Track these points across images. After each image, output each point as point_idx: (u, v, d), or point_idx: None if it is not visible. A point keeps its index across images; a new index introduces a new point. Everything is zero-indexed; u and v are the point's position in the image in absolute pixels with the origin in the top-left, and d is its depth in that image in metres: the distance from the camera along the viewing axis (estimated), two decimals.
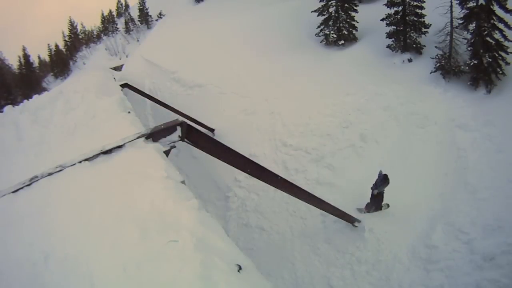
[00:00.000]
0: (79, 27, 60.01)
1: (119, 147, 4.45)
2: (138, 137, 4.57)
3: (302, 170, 10.05)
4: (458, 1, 9.55)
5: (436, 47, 10.48)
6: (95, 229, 3.38)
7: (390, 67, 11.53)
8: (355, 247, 7.94)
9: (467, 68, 9.80)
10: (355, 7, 13.69)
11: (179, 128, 4.72)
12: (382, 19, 11.95)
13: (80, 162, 4.32)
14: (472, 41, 9.59)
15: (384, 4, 11.77)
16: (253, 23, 16.52)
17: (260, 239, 9.25)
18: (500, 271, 6.36)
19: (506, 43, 9.29)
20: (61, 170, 4.29)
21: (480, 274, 6.51)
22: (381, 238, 7.80)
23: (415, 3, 11.38)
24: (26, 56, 52.39)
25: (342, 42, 13.54)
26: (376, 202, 8.16)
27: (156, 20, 42.93)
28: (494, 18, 9.22)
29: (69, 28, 57.46)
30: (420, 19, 11.43)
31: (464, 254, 6.87)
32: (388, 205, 8.29)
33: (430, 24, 11.21)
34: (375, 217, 8.14)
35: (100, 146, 4.47)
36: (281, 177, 6.09)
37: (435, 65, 10.33)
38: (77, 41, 58.38)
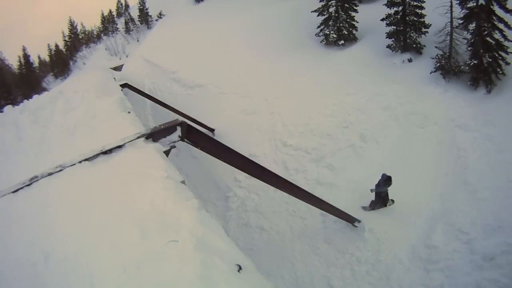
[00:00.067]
0: (79, 27, 60.07)
1: (119, 147, 4.45)
2: (138, 137, 4.57)
3: (302, 170, 10.05)
4: (458, 1, 9.55)
5: (436, 47, 10.48)
6: (95, 229, 3.38)
7: (390, 67, 11.53)
8: (355, 247, 7.94)
9: (467, 68, 9.81)
10: (355, 7, 13.69)
11: (179, 128, 4.72)
12: (382, 19, 11.95)
13: (80, 162, 4.32)
14: (472, 41, 9.59)
15: (384, 4, 11.77)
16: (253, 23, 16.52)
17: (260, 239, 9.25)
18: (500, 271, 6.37)
19: (506, 43, 9.29)
20: (61, 170, 4.29)
21: (480, 274, 6.51)
22: (381, 238, 7.80)
23: (415, 3, 11.38)
24: (26, 56, 52.42)
25: (342, 42, 13.54)
26: (381, 200, 8.21)
27: (156, 20, 42.94)
28: (494, 18, 9.22)
29: (69, 28, 57.50)
30: (420, 19, 11.43)
31: (464, 254, 6.87)
32: (393, 201, 8.29)
33: (430, 24, 11.21)
34: (375, 217, 8.14)
35: (100, 146, 4.47)
36: (281, 177, 6.09)
37: (435, 65, 10.33)
38: (77, 41, 58.39)
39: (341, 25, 13.55)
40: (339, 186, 9.20)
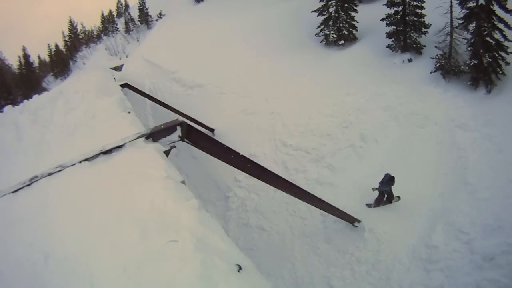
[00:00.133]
0: (79, 27, 60.03)
1: (119, 147, 4.45)
2: (138, 137, 4.57)
3: (302, 170, 10.05)
4: (458, 1, 9.55)
5: (436, 47, 10.48)
6: (95, 229, 3.38)
7: (390, 67, 11.53)
8: (355, 247, 7.94)
9: (467, 68, 9.81)
10: (355, 7, 13.70)
11: (179, 128, 4.72)
12: (382, 19, 11.96)
13: (80, 162, 4.33)
14: (472, 41, 9.59)
15: (384, 4, 11.77)
16: (253, 23, 16.52)
17: (260, 239, 9.25)
18: (500, 271, 6.37)
19: (506, 43, 9.30)
20: (61, 170, 4.29)
21: (480, 274, 6.51)
22: (381, 238, 7.80)
23: (415, 3, 11.38)
24: (26, 56, 52.38)
25: (342, 42, 13.54)
26: (384, 197, 8.27)
27: (156, 20, 42.91)
28: (494, 18, 9.22)
29: (69, 28, 57.46)
30: (420, 19, 11.44)
31: (464, 254, 6.88)
32: (399, 198, 8.31)
33: (430, 24, 11.21)
34: (375, 217, 8.14)
35: (100, 146, 4.47)
36: (281, 177, 6.09)
37: (435, 65, 10.34)
38: (77, 41, 58.36)
39: (341, 25, 13.56)
40: (339, 186, 9.20)
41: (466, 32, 9.79)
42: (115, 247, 3.13)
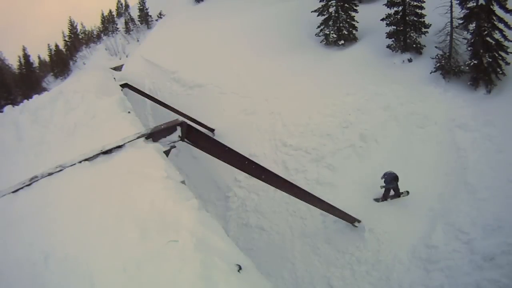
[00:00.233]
0: (79, 27, 60.06)
1: (119, 147, 4.45)
2: (138, 137, 4.57)
3: (302, 170, 10.05)
4: (458, 1, 9.55)
5: (436, 47, 10.48)
6: (95, 229, 3.38)
7: (390, 67, 11.53)
8: (355, 247, 7.94)
9: (467, 68, 9.80)
10: (355, 7, 13.69)
11: (179, 128, 4.72)
12: (382, 19, 11.95)
13: (80, 162, 4.33)
14: (472, 41, 9.59)
15: (384, 4, 11.76)
16: (253, 23, 16.52)
17: (260, 239, 9.25)
18: (500, 271, 6.37)
19: (506, 43, 9.29)
20: (61, 170, 4.30)
21: (480, 274, 6.52)
22: (381, 238, 7.81)
23: (415, 3, 11.37)
24: (26, 56, 52.41)
25: (342, 42, 13.54)
26: (389, 193, 8.33)
27: (156, 20, 42.93)
28: (494, 18, 9.22)
29: (69, 28, 57.48)
30: (420, 19, 11.43)
31: (464, 254, 6.88)
32: (408, 192, 8.34)
33: (430, 24, 11.21)
34: (375, 217, 8.14)
35: (100, 146, 4.47)
36: (281, 177, 6.09)
37: (435, 65, 10.33)
38: (77, 41, 58.37)
39: (341, 25, 13.55)
40: (339, 186, 9.20)
41: (466, 32, 9.78)
42: (115, 247, 3.13)
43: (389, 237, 7.77)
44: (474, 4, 9.26)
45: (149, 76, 16.67)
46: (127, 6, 56.82)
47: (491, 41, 9.36)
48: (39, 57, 60.24)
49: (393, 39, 11.87)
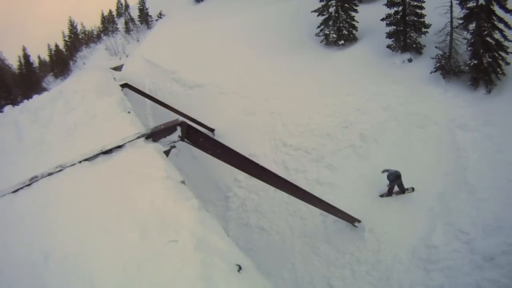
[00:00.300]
0: (79, 27, 60.05)
1: (119, 147, 4.45)
2: (138, 137, 4.57)
3: (302, 170, 10.05)
4: (458, 1, 9.55)
5: (436, 47, 10.48)
6: (95, 229, 3.38)
7: (390, 67, 11.53)
8: (355, 247, 7.95)
9: (467, 68, 9.80)
10: (355, 7, 13.69)
11: (179, 128, 4.72)
12: (382, 19, 11.95)
13: (80, 162, 4.33)
14: (472, 41, 9.59)
15: (384, 4, 11.76)
16: (253, 23, 16.52)
17: (260, 239, 9.25)
18: (500, 271, 6.37)
19: (506, 43, 9.29)
20: (61, 170, 4.29)
21: (480, 274, 6.52)
22: (381, 238, 7.81)
23: (415, 3, 11.37)
24: (26, 56, 52.39)
25: (342, 42, 13.54)
26: (393, 190, 8.35)
27: (156, 20, 42.94)
28: (494, 18, 9.22)
29: (69, 28, 57.49)
30: (420, 19, 11.43)
31: (464, 254, 6.88)
32: (413, 189, 8.36)
33: (430, 24, 11.21)
34: (375, 217, 8.14)
35: (100, 146, 4.47)
36: (281, 177, 6.09)
37: (435, 65, 10.33)
38: (77, 41, 58.38)
39: (341, 25, 13.55)
40: (339, 186, 9.20)
41: (466, 32, 9.78)
42: (115, 247, 3.13)
43: (389, 237, 7.77)
44: (474, 4, 9.26)
45: (149, 76, 16.67)
46: (127, 6, 56.83)
47: (491, 41, 9.36)
48: (39, 57, 60.28)
49: (393, 39, 11.87)
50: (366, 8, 14.16)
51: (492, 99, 9.15)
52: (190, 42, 17.17)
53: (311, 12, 14.13)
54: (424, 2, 11.23)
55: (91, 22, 73.44)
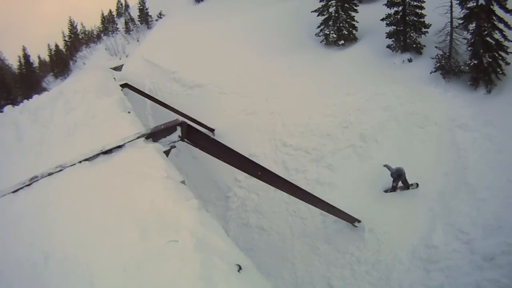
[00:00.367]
0: (79, 27, 60.05)
1: (119, 147, 4.45)
2: (138, 137, 4.57)
3: (302, 170, 10.05)
4: (458, 1, 9.55)
5: (436, 47, 10.48)
6: (95, 229, 3.38)
7: (390, 67, 11.53)
8: (355, 247, 7.95)
9: (467, 68, 9.80)
10: (355, 7, 13.69)
11: (179, 128, 4.72)
12: (382, 19, 11.95)
13: (80, 162, 4.33)
14: (472, 41, 9.59)
15: (384, 4, 11.76)
16: (253, 23, 16.52)
17: (260, 239, 9.25)
18: (500, 271, 6.37)
19: (506, 43, 9.29)
20: (61, 170, 4.30)
21: (480, 274, 6.52)
22: (381, 238, 7.81)
23: (415, 3, 11.38)
24: (26, 56, 52.38)
25: (342, 42, 13.54)
26: (402, 184, 8.36)
27: (156, 20, 42.94)
28: (494, 18, 9.22)
29: (69, 28, 57.49)
30: (420, 19, 11.43)
31: (464, 254, 6.88)
32: (417, 184, 8.38)
33: (430, 24, 11.21)
34: (375, 217, 8.14)
35: (100, 146, 4.47)
36: (281, 177, 6.09)
37: (435, 65, 10.33)
38: (77, 41, 58.38)
39: (341, 25, 13.55)
40: (339, 186, 9.20)
41: (466, 32, 9.78)
42: (115, 247, 3.13)
43: (389, 237, 7.77)
44: (474, 4, 9.26)
45: (149, 76, 16.66)
46: (127, 6, 56.84)
47: (491, 41, 9.36)
48: (39, 57, 60.27)
49: (393, 39, 11.87)
50: (366, 8, 14.16)
51: (492, 99, 9.15)
52: (190, 42, 17.17)
53: (311, 12, 14.13)
54: (424, 2, 11.23)
55: (91, 22, 73.39)
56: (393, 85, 10.70)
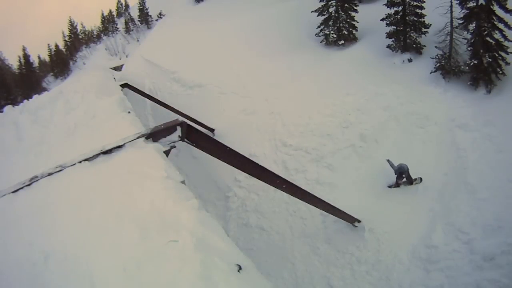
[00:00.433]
0: (79, 27, 60.09)
1: (119, 147, 4.45)
2: (138, 137, 4.57)
3: (302, 170, 10.05)
4: (458, 1, 9.55)
5: (436, 47, 10.48)
6: (95, 229, 3.38)
7: (390, 67, 11.53)
8: (355, 247, 7.95)
9: (467, 68, 9.80)
10: (355, 7, 13.69)
11: (179, 128, 4.72)
12: (382, 19, 11.95)
13: (80, 162, 4.32)
14: (472, 41, 9.59)
15: (384, 4, 11.76)
16: (253, 23, 16.52)
17: (260, 239, 9.25)
18: (500, 271, 6.37)
19: (506, 43, 9.29)
20: (61, 170, 4.29)
21: (480, 274, 6.52)
22: (381, 238, 7.81)
23: (415, 3, 11.37)
24: (26, 56, 52.41)
25: (342, 42, 13.54)
26: (405, 178, 8.38)
27: (156, 20, 42.98)
28: (494, 18, 9.22)
29: (69, 28, 57.53)
30: (420, 19, 11.43)
31: (464, 254, 6.88)
32: (421, 179, 8.39)
33: (430, 24, 11.21)
34: (375, 217, 8.14)
35: (100, 146, 4.47)
36: (281, 177, 6.09)
37: (435, 65, 10.33)
38: (77, 41, 58.41)
39: (341, 25, 13.55)
40: (339, 186, 9.20)
41: (466, 32, 9.78)
42: (115, 247, 3.13)
43: (389, 237, 7.77)
44: (474, 4, 9.26)
45: (149, 76, 16.66)
46: (127, 6, 56.88)
47: (491, 41, 9.36)
48: (39, 57, 60.29)
49: (393, 39, 11.87)
50: (366, 8, 14.15)
51: (492, 99, 9.15)
52: (190, 42, 17.17)
53: (311, 12, 14.13)
54: (424, 2, 11.23)
55: (91, 22, 73.29)
56: (393, 85, 10.70)
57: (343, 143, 10.07)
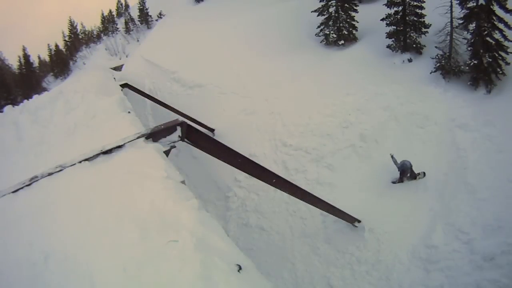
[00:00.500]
0: (79, 27, 60.10)
1: (119, 147, 4.45)
2: (138, 137, 4.57)
3: (302, 170, 10.05)
4: (458, 1, 9.54)
5: (436, 47, 10.48)
6: (95, 229, 3.38)
7: (390, 67, 11.53)
8: (355, 247, 7.95)
9: (467, 68, 9.80)
10: (355, 7, 13.68)
11: (179, 128, 4.72)
12: (382, 19, 11.95)
13: (80, 162, 4.32)
14: (472, 41, 9.59)
15: (384, 4, 11.76)
16: (253, 23, 16.52)
17: (260, 239, 9.25)
18: (500, 271, 6.38)
19: (506, 43, 9.29)
20: (61, 170, 4.29)
21: (480, 274, 6.52)
22: (381, 238, 7.81)
23: (415, 3, 11.37)
24: (26, 56, 52.44)
25: (342, 42, 13.53)
26: (409, 174, 8.35)
27: (156, 20, 42.98)
28: (494, 18, 9.21)
29: (69, 28, 57.55)
30: (420, 19, 11.42)
31: (464, 254, 6.88)
32: (424, 174, 8.38)
33: (430, 24, 11.21)
34: (375, 217, 8.14)
35: (100, 146, 4.46)
36: (281, 177, 6.09)
37: (435, 65, 10.33)
38: (77, 41, 58.43)
39: (341, 25, 13.55)
40: (339, 186, 9.20)
41: (466, 32, 9.78)
42: (115, 247, 3.13)
43: (389, 237, 7.77)
44: (474, 4, 9.26)
45: (149, 76, 16.67)
46: (127, 6, 56.89)
47: (491, 41, 9.36)
48: (39, 57, 60.32)
49: (393, 39, 11.86)
50: (366, 8, 14.15)
51: (492, 99, 9.15)
52: (190, 42, 17.17)
53: (311, 12, 14.12)
54: (424, 2, 11.22)
55: (91, 22, 73.33)
56: (393, 85, 10.69)
57: (343, 143, 10.07)
